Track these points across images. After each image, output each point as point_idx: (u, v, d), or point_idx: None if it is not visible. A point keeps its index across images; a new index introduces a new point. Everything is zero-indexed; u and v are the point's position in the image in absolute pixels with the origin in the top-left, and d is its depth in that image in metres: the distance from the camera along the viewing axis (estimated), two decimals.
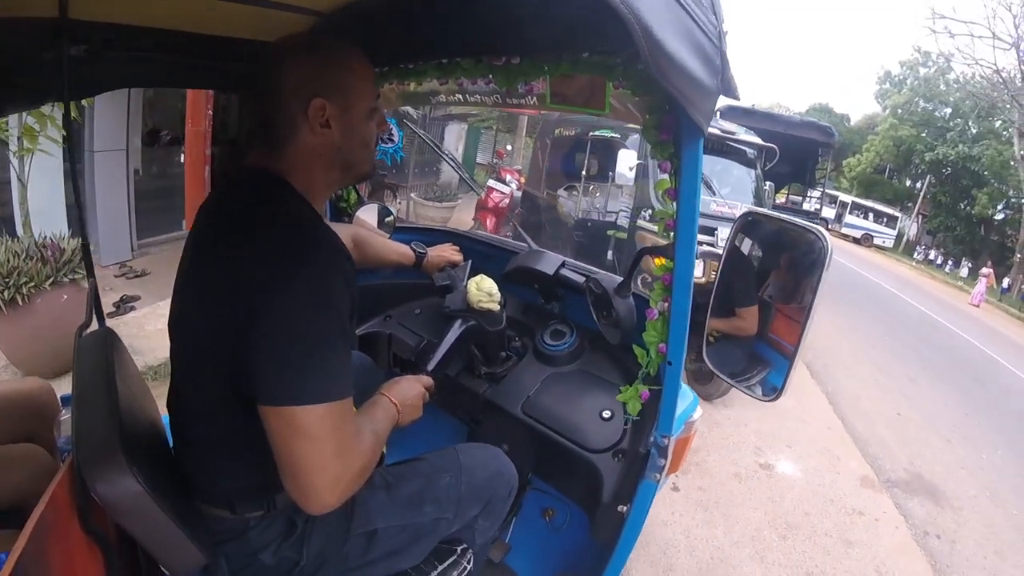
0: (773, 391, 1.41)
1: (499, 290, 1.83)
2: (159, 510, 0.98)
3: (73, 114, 4.25)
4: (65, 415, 1.61)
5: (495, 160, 10.84)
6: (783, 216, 1.61)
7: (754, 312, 1.54)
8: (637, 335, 1.56)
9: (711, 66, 0.90)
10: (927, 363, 8.84)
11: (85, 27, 1.29)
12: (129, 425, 1.08)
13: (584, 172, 6.26)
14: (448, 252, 2.09)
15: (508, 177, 8.08)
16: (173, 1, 1.31)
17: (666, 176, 1.24)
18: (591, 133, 6.47)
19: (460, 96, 1.95)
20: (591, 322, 1.88)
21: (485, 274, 1.86)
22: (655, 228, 5.38)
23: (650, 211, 5.41)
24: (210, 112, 5.64)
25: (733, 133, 5.96)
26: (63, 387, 1.57)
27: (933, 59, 32.23)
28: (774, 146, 6.18)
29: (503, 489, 1.50)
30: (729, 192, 5.60)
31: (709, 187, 5.34)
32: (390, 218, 2.23)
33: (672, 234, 1.26)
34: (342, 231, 1.74)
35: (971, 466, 5.27)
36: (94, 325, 1.51)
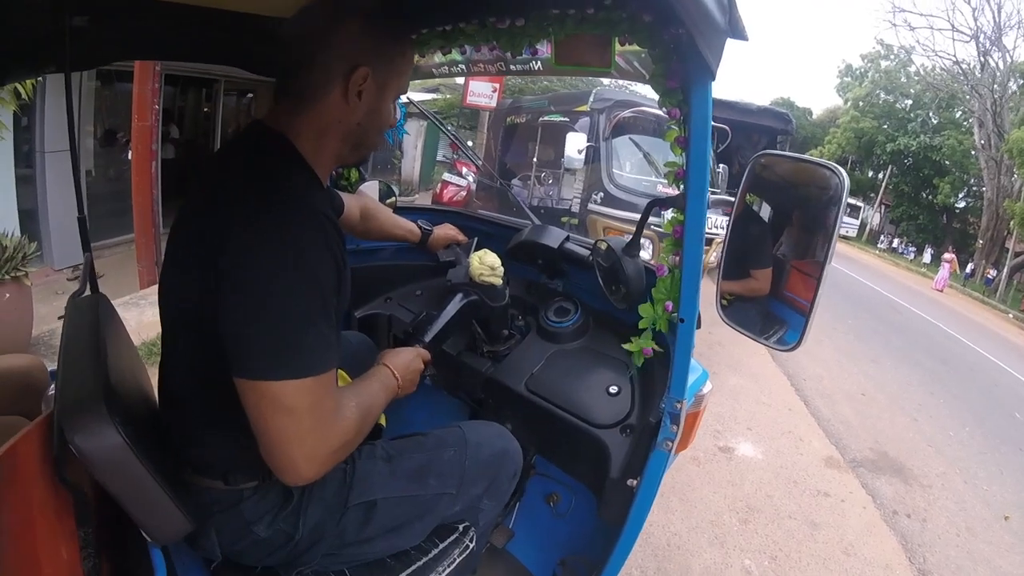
0: (789, 343, 1.42)
1: (502, 266, 1.80)
2: (141, 467, 0.94)
3: (13, 107, 4.18)
4: (53, 390, 1.55)
5: (454, 155, 10.78)
6: (796, 155, 1.64)
7: (768, 273, 1.52)
8: (646, 298, 1.54)
9: (720, 3, 0.89)
10: (891, 345, 8.92)
11: None
12: (116, 382, 1.05)
13: (535, 159, 6.19)
14: (454, 231, 2.08)
15: (465, 170, 7.99)
16: None
17: (675, 127, 1.24)
18: (541, 119, 6.39)
19: (463, 67, 1.94)
20: (596, 300, 1.86)
21: (490, 251, 1.84)
22: (607, 211, 5.39)
23: (601, 194, 5.34)
24: (156, 108, 5.45)
25: None
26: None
27: (894, 52, 32.84)
28: (725, 127, 6.14)
29: (508, 467, 1.46)
30: None
31: (659, 169, 5.30)
32: (392, 199, 2.21)
33: (681, 185, 1.25)
34: (351, 201, 1.77)
35: (938, 443, 5.28)
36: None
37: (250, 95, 10.42)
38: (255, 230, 0.91)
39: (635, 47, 1.30)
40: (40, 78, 4.09)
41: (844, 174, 1.28)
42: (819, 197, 1.38)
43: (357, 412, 1.05)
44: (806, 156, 1.58)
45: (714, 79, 1.03)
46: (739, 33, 0.94)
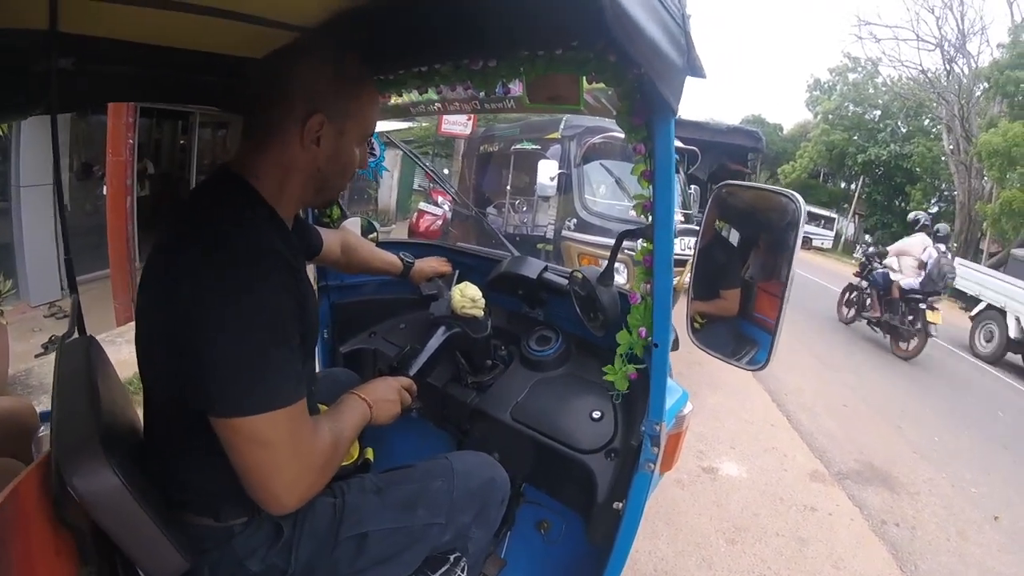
0: (759, 362, 1.48)
1: (483, 298, 1.86)
2: (138, 507, 0.96)
3: None
4: (44, 431, 1.60)
5: (429, 184, 10.85)
6: (755, 184, 1.69)
7: (736, 293, 1.60)
8: (622, 324, 1.57)
9: (677, 45, 0.92)
10: (870, 354, 8.96)
11: (74, 40, 1.29)
12: (110, 424, 1.07)
13: (509, 186, 6.23)
14: (436, 263, 2.14)
15: (441, 199, 8.02)
16: (162, 17, 1.27)
17: (641, 160, 1.27)
18: (513, 147, 6.44)
19: (439, 105, 1.95)
20: (576, 327, 1.89)
21: (471, 283, 1.89)
22: (581, 237, 5.43)
23: (574, 220, 5.38)
24: (131, 142, 5.41)
25: None
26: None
27: (861, 64, 33.34)
28: (695, 149, 6.22)
29: (496, 495, 1.48)
30: None
31: (630, 194, 5.35)
32: (373, 234, 2.24)
33: (650, 216, 1.28)
34: (332, 236, 1.82)
35: (924, 450, 5.31)
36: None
37: (223, 131, 10.39)
38: (208, 272, 0.93)
39: (603, 85, 1.33)
40: None
41: (800, 200, 1.33)
42: (779, 222, 1.44)
43: (331, 436, 1.08)
44: (764, 185, 1.64)
45: (675, 115, 1.06)
46: (697, 71, 0.97)
